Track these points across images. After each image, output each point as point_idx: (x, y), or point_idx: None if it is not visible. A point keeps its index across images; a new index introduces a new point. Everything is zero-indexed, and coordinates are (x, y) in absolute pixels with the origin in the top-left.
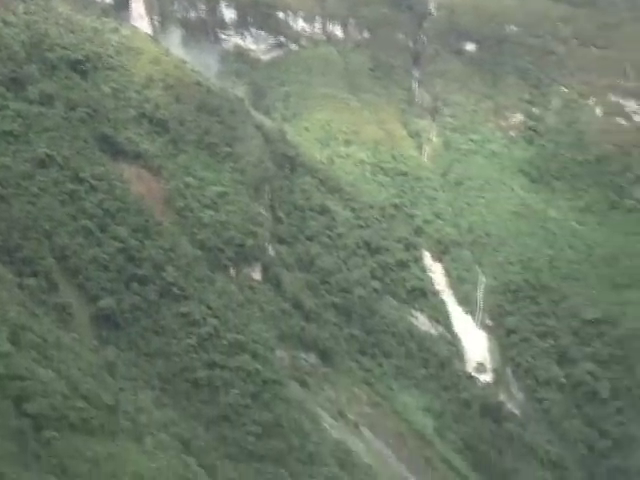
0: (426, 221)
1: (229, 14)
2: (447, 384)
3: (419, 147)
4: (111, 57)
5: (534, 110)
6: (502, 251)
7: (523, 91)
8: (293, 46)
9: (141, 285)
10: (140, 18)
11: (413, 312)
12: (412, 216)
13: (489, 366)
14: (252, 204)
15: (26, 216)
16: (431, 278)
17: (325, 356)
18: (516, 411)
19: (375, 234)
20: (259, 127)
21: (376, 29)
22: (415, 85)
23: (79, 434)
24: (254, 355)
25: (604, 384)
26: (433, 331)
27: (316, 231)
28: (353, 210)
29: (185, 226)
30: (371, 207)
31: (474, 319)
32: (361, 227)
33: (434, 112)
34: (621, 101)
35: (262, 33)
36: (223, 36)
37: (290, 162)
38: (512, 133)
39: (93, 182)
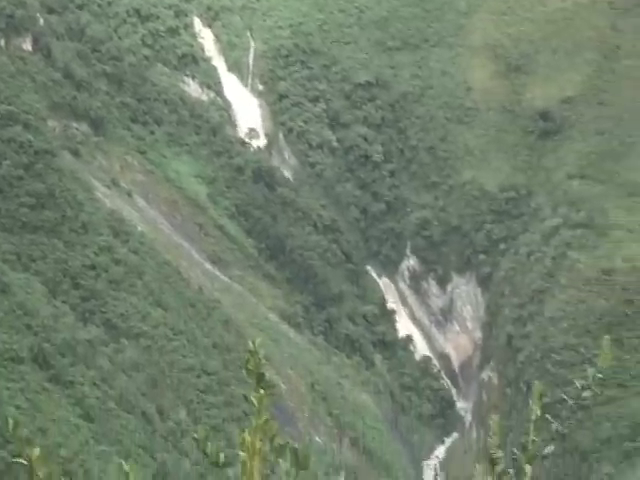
0: None
1: None
2: (219, 150)
3: None
4: None
5: None
6: (272, 16)
7: None
8: None
9: None
10: None
11: (184, 79)
12: None
13: (261, 131)
14: None
15: None
16: (202, 44)
17: (97, 125)
18: (289, 176)
19: (145, 2)
20: None
21: None
22: None
23: None
24: (26, 126)
25: (377, 147)
26: (204, 97)
27: None
28: None
29: None
30: None
31: (245, 85)
32: None
33: None
34: None
35: None
36: None
37: None
38: None
39: None
